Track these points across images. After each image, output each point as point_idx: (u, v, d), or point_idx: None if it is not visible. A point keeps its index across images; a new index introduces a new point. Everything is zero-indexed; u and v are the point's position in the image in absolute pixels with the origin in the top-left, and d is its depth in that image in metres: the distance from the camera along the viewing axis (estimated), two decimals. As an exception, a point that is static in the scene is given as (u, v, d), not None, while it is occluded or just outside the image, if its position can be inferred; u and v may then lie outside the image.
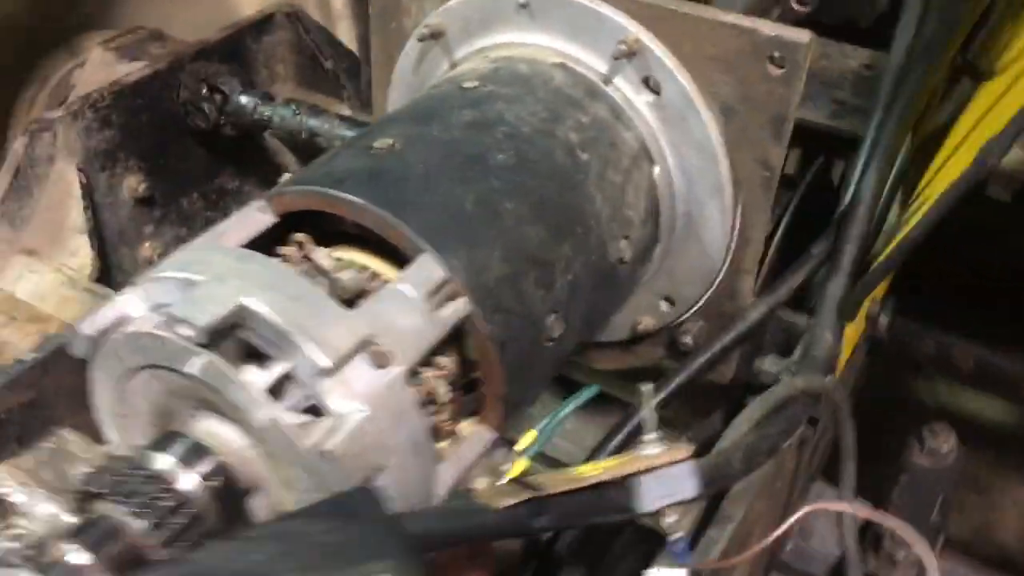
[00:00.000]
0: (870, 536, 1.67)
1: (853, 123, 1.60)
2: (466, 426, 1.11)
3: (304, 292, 0.93)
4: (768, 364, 1.34)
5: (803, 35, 1.17)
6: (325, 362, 0.89)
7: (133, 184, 1.96)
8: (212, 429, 0.94)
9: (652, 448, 0.91)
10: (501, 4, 1.31)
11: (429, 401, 1.04)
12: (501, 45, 1.33)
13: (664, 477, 0.90)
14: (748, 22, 1.20)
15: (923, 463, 1.68)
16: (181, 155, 2.05)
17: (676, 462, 0.90)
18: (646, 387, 0.94)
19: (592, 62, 1.29)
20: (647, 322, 1.45)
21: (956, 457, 1.70)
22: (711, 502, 1.14)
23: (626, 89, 1.28)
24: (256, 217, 1.07)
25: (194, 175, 2.07)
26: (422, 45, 1.40)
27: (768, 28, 1.18)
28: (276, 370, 0.89)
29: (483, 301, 1.03)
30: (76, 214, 1.91)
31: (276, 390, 0.90)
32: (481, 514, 0.84)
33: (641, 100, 1.28)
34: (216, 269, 0.93)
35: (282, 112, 1.87)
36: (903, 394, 2.12)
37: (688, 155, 1.29)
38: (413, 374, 0.99)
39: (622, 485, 0.90)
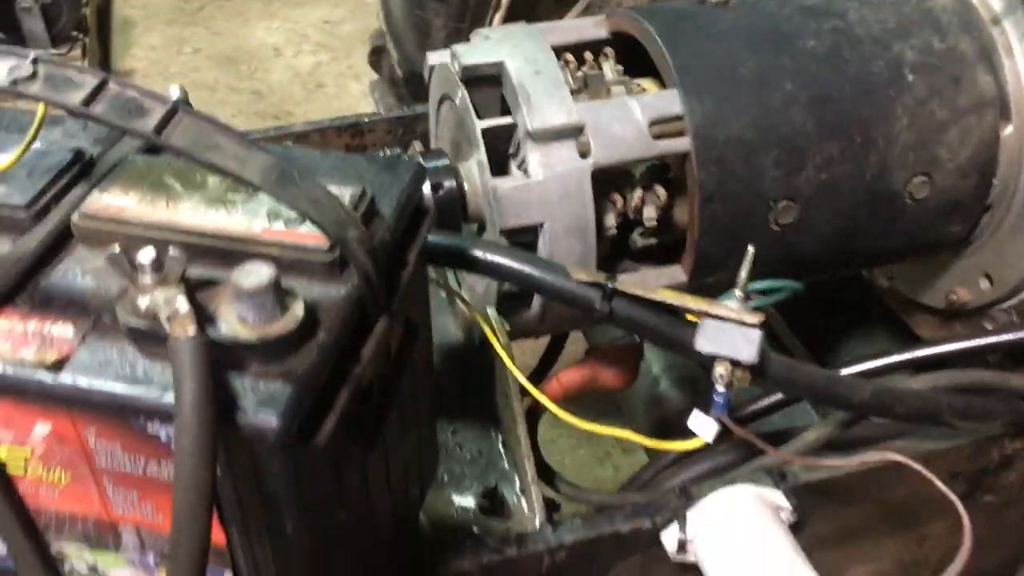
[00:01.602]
0: None
1: None
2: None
3: (550, 74, 1.13)
4: (1040, 374, 1.19)
5: None
6: (531, 126, 1.09)
7: None
8: (469, 163, 1.21)
9: (731, 302, 0.96)
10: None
11: (634, 220, 1.18)
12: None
13: (728, 331, 0.95)
14: None
15: None
16: None
17: (744, 323, 0.94)
18: (751, 248, 0.97)
19: (992, -2, 1.22)
20: (962, 294, 1.35)
21: None
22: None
23: (1012, 34, 1.19)
24: (589, 27, 1.27)
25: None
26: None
27: None
28: (501, 120, 1.12)
29: (705, 150, 1.12)
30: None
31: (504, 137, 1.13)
32: (554, 271, 0.99)
33: (1022, 51, 1.19)
34: (507, 37, 1.18)
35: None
36: None
37: (1049, 123, 1.17)
38: (615, 182, 1.14)
39: (690, 321, 0.97)
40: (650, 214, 1.17)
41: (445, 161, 1.20)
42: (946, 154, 1.19)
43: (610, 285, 0.98)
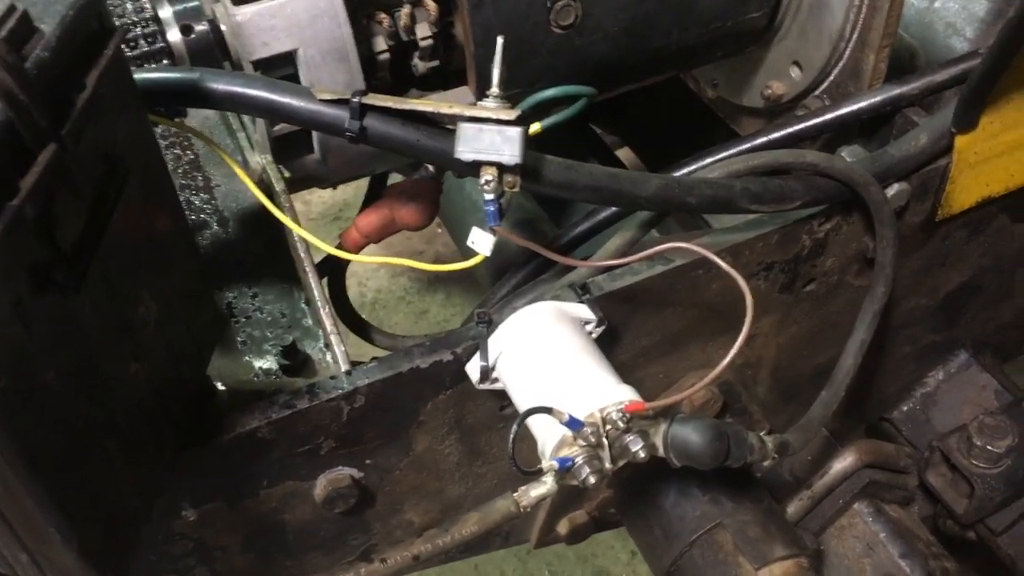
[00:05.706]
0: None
1: None
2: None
3: None
4: (846, 151, 1.15)
5: None
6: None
7: None
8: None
9: (489, 103, 0.88)
10: None
11: (409, 42, 1.08)
12: None
13: (487, 132, 0.87)
14: None
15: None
16: None
17: (501, 121, 0.87)
18: (500, 39, 0.89)
19: None
20: (776, 87, 1.29)
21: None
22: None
23: None
24: None
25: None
26: None
27: None
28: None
29: (467, -48, 1.02)
30: None
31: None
32: (297, 93, 0.90)
33: None
34: None
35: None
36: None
37: None
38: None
39: (450, 131, 0.89)
40: (424, 32, 1.08)
41: (194, 1, 1.08)
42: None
43: (356, 100, 0.89)
